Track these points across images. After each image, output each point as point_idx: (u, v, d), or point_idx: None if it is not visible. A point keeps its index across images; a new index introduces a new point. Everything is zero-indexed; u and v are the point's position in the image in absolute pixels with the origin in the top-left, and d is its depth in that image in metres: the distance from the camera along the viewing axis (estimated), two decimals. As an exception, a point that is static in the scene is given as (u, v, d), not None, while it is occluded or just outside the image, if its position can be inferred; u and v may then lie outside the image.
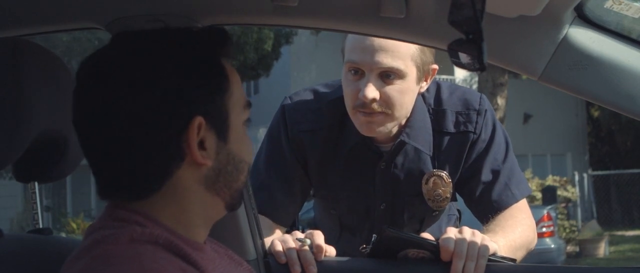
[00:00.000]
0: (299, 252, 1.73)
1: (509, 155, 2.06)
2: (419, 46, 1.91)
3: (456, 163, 2.06)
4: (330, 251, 1.77)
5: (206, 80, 1.13)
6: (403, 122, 2.02)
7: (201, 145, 1.11)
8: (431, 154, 2.06)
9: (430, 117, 2.06)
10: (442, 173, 2.05)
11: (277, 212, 2.06)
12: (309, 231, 1.80)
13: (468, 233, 1.70)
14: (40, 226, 1.47)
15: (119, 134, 1.08)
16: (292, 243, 1.75)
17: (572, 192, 15.69)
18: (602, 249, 13.88)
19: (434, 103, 2.07)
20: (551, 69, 1.40)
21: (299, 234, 1.79)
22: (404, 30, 1.48)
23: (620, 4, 1.37)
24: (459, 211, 2.40)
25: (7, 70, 1.24)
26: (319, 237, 1.75)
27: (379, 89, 1.92)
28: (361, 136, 2.01)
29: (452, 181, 2.07)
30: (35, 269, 1.28)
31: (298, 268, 1.71)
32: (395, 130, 2.02)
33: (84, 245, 1.07)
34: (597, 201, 18.27)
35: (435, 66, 2.02)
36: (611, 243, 14.54)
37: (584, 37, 1.39)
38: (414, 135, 2.03)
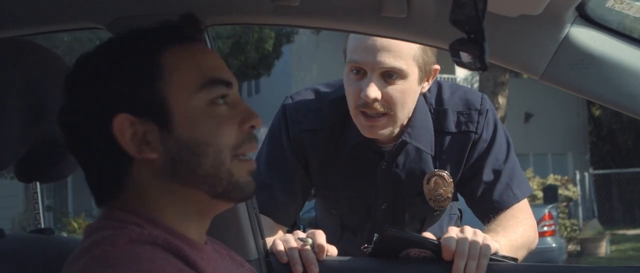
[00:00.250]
0: (300, 251, 1.73)
1: (510, 155, 2.06)
2: (421, 46, 1.91)
3: (457, 163, 2.05)
4: (332, 251, 1.77)
5: (125, 78, 1.13)
6: (405, 122, 2.02)
7: (144, 139, 1.11)
8: (433, 154, 2.06)
9: (432, 117, 2.06)
10: (444, 173, 2.05)
11: (279, 211, 2.05)
12: (310, 231, 1.80)
13: (470, 232, 1.70)
14: (42, 226, 1.47)
15: (71, 144, 1.17)
16: (293, 243, 1.75)
17: (573, 191, 15.68)
18: (604, 248, 13.87)
19: (435, 103, 2.07)
20: (553, 68, 1.40)
21: (301, 234, 1.79)
22: (406, 30, 1.48)
23: (621, 3, 1.37)
24: (460, 211, 2.40)
25: (10, 70, 1.24)
26: (320, 236, 1.75)
27: (381, 88, 1.92)
28: (362, 136, 2.01)
29: (453, 181, 2.06)
30: (37, 269, 1.28)
31: (300, 268, 1.71)
32: (397, 130, 2.02)
33: (83, 246, 1.07)
34: (598, 200, 18.25)
35: (437, 66, 2.01)
36: (612, 242, 14.54)
37: (585, 36, 1.39)
38: (416, 135, 2.03)
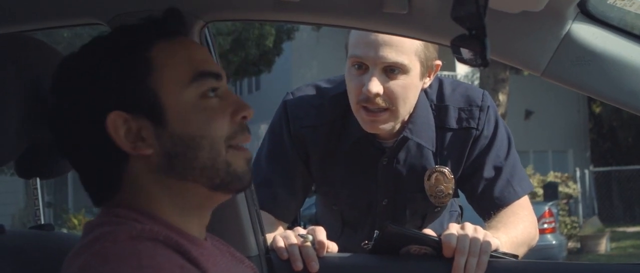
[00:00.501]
0: (301, 248, 1.73)
1: (511, 152, 2.06)
2: (423, 42, 1.91)
3: (458, 160, 2.05)
4: (332, 247, 1.77)
5: (114, 75, 1.13)
6: (406, 118, 2.01)
7: (139, 135, 1.11)
8: (434, 150, 2.05)
9: (433, 113, 2.05)
10: (445, 170, 2.05)
11: (279, 208, 2.05)
12: (310, 227, 1.80)
13: (470, 229, 1.70)
14: (42, 222, 1.47)
15: (68, 146, 1.17)
16: (294, 239, 1.75)
17: (573, 188, 15.68)
18: (604, 245, 13.88)
19: (436, 99, 2.06)
20: (554, 65, 1.40)
21: (301, 230, 1.79)
22: (407, 26, 1.48)
23: (623, 0, 1.37)
24: (460, 207, 2.40)
25: (10, 66, 1.24)
26: (321, 233, 1.75)
27: (383, 83, 1.91)
28: (363, 132, 2.01)
29: (454, 177, 2.06)
30: (37, 265, 1.28)
31: (300, 264, 1.71)
32: (398, 126, 2.02)
33: (83, 242, 1.07)
34: (598, 197, 18.26)
35: (439, 62, 2.01)
36: (612, 239, 14.54)
37: (587, 32, 1.38)
38: (417, 131, 2.03)
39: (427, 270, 1.71)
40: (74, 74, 1.15)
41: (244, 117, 1.18)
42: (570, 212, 15.08)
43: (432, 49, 1.97)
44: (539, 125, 20.79)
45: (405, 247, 1.71)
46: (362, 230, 2.17)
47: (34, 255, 1.30)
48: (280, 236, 1.78)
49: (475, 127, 2.03)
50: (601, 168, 19.28)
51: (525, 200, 2.04)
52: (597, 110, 21.93)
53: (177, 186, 1.14)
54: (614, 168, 19.13)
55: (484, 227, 1.80)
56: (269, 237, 1.81)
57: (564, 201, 14.79)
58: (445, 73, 16.64)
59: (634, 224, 17.21)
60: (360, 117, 1.97)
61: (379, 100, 1.92)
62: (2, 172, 13.98)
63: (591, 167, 19.50)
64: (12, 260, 1.24)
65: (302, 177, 2.12)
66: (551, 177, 15.47)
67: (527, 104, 20.41)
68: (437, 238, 1.70)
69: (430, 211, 2.16)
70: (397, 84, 1.92)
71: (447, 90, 2.07)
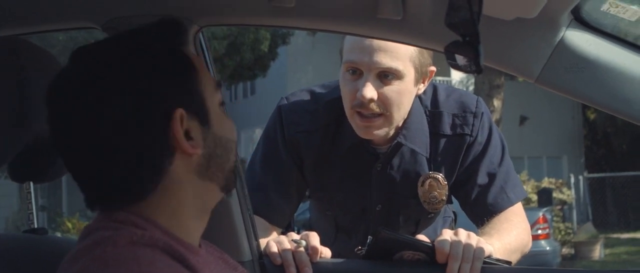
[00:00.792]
0: (294, 253, 1.73)
1: (505, 159, 2.06)
2: (417, 48, 1.91)
3: (452, 166, 2.05)
4: (326, 252, 1.77)
5: (175, 72, 1.13)
6: (400, 123, 2.02)
7: (187, 135, 1.12)
8: (427, 156, 2.05)
9: (427, 119, 2.06)
10: (438, 176, 2.05)
11: (273, 213, 2.05)
12: (304, 232, 1.80)
13: (463, 235, 1.70)
14: (35, 226, 1.47)
15: (104, 146, 1.09)
16: (287, 245, 1.75)
17: (567, 195, 15.70)
18: (598, 252, 13.89)
19: (430, 105, 2.07)
20: (548, 72, 1.40)
21: (295, 235, 1.78)
22: (401, 32, 1.48)
23: (617, 7, 1.37)
24: (454, 213, 2.40)
25: (4, 69, 1.24)
26: (314, 238, 1.75)
27: (377, 89, 1.92)
28: (358, 137, 2.01)
29: (448, 183, 2.06)
30: (29, 268, 1.27)
31: (293, 270, 1.71)
32: (392, 132, 2.02)
33: (81, 246, 1.06)
34: (592, 203, 18.29)
35: (433, 68, 2.01)
36: (606, 245, 14.55)
37: (580, 39, 1.39)
38: (411, 136, 2.03)
39: (421, 276, 1.71)
40: (128, 70, 1.11)
41: None
42: (565, 218, 15.10)
43: (427, 55, 1.97)
44: (534, 131, 20.83)
45: (399, 252, 1.71)
46: (355, 236, 2.17)
47: (27, 259, 1.29)
48: (274, 241, 1.78)
49: (469, 133, 2.03)
50: (595, 175, 19.30)
51: (518, 207, 2.05)
52: (592, 116, 21.97)
53: (202, 186, 1.17)
54: (608, 174, 19.15)
55: (477, 233, 1.80)
56: (263, 242, 1.81)
57: (558, 207, 14.81)
58: (440, 79, 16.69)
59: (628, 230, 17.24)
60: (355, 122, 1.97)
61: (373, 106, 1.92)
62: (-5, 175, 13.95)
63: (585, 173, 19.53)
64: (4, 264, 1.24)
65: (296, 182, 2.11)
66: (545, 183, 15.49)
67: (521, 110, 20.44)
68: (430, 244, 1.70)
69: (424, 217, 2.16)
70: (391, 89, 1.92)
71: (442, 96, 2.07)
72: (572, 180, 16.98)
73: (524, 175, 14.98)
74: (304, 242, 1.74)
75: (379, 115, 1.94)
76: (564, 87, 1.42)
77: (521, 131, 20.53)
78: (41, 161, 1.38)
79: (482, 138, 2.04)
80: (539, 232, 10.81)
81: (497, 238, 1.84)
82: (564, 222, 14.68)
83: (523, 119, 20.88)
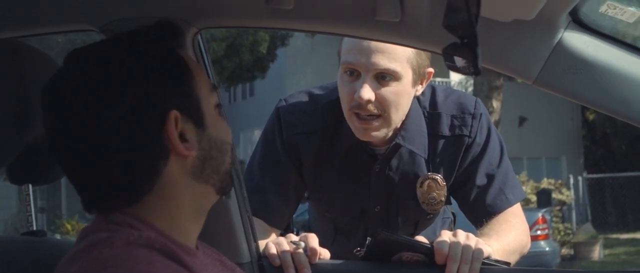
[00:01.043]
0: (293, 254, 1.73)
1: (504, 160, 2.06)
2: (415, 49, 1.91)
3: (451, 167, 2.06)
4: (325, 254, 1.77)
5: (169, 74, 1.14)
6: (398, 125, 2.02)
7: (182, 137, 1.12)
8: (426, 157, 2.06)
9: (426, 120, 2.06)
10: (437, 177, 2.05)
11: (272, 214, 2.05)
12: (303, 234, 1.80)
13: (462, 236, 1.70)
14: (34, 228, 1.47)
15: (100, 148, 1.09)
16: (286, 246, 1.75)
17: (566, 195, 15.71)
18: (597, 252, 13.89)
19: (429, 106, 2.07)
20: (546, 73, 1.40)
21: (293, 237, 1.78)
22: (399, 34, 1.48)
23: (614, 9, 1.37)
24: (453, 214, 2.40)
25: (2, 72, 1.24)
26: (313, 239, 1.75)
27: (375, 90, 1.92)
28: (356, 139, 2.01)
29: (446, 184, 2.07)
30: (29, 271, 1.27)
31: (292, 271, 1.71)
32: (390, 133, 2.02)
33: (79, 248, 1.06)
34: (591, 204, 18.29)
35: (431, 69, 2.02)
36: (606, 246, 14.56)
37: (578, 41, 1.39)
38: (409, 138, 2.03)
39: (419, 277, 1.71)
40: (123, 72, 1.11)
41: None
42: (564, 219, 15.10)
43: (425, 56, 1.97)
44: (533, 132, 20.83)
45: (398, 254, 1.71)
46: (354, 237, 2.17)
47: (26, 261, 1.29)
48: (273, 243, 1.78)
49: (468, 134, 2.03)
50: (594, 175, 19.32)
51: (517, 208, 2.05)
52: (591, 117, 21.97)
53: (198, 188, 1.17)
54: (607, 175, 19.16)
55: (476, 235, 1.80)
56: (261, 243, 1.81)
57: (558, 208, 14.82)
58: (439, 80, 16.69)
59: (627, 231, 17.24)
60: (353, 124, 1.97)
61: (371, 107, 1.92)
62: (-6, 177, 13.94)
63: (585, 174, 19.54)
64: (3, 266, 1.24)
65: (294, 183, 2.12)
66: (545, 183, 15.50)
67: (521, 110, 20.45)
68: (429, 245, 1.70)
69: (423, 218, 2.16)
70: (389, 90, 1.93)
71: (440, 97, 2.07)
72: (571, 180, 16.99)
73: (523, 176, 14.98)
74: (302, 244, 1.74)
75: (377, 116, 1.95)
76: (562, 89, 1.42)
77: (520, 132, 20.53)
78: (40, 163, 1.38)
79: (480, 140, 2.04)
80: (538, 232, 10.81)
81: (495, 239, 1.84)
82: (563, 222, 14.68)
83: (522, 120, 20.89)
